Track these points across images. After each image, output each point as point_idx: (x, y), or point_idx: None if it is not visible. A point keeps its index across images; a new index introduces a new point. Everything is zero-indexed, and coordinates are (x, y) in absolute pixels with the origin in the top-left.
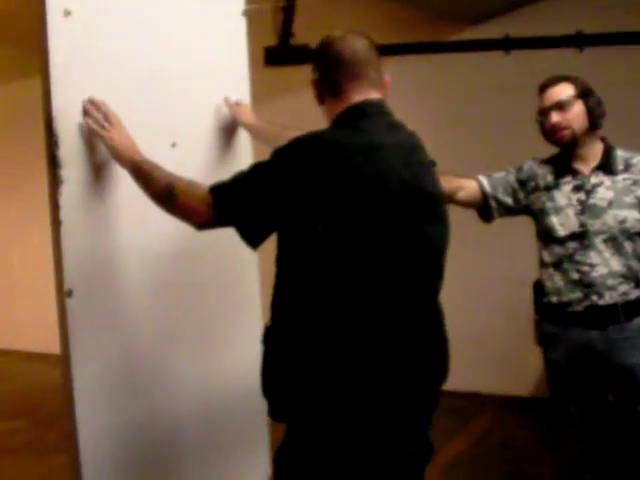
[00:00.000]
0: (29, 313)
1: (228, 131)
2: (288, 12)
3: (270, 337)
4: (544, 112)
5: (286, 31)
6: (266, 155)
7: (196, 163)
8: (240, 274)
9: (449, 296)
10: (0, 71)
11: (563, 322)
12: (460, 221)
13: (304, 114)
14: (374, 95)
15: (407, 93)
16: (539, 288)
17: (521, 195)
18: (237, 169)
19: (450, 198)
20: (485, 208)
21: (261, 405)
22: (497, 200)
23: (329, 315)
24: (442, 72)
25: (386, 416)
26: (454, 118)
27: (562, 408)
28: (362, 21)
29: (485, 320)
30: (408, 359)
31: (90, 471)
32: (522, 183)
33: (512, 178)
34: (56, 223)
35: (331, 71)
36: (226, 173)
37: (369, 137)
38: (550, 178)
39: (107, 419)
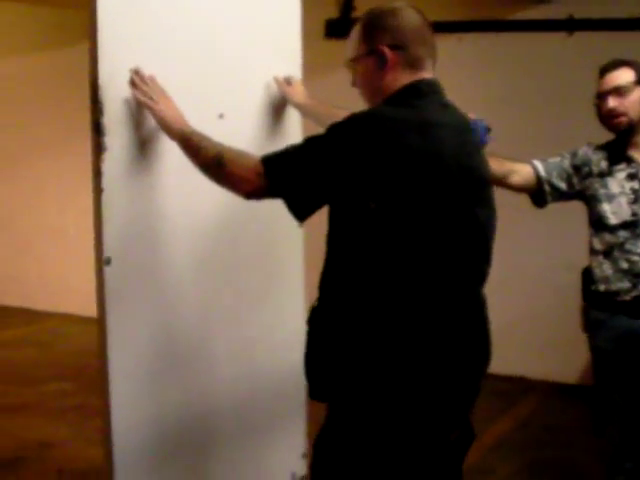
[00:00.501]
0: (83, 277)
1: (277, 107)
2: None
3: (317, 317)
4: (602, 96)
5: (348, 4)
6: (315, 132)
7: (243, 136)
8: (284, 251)
9: (498, 279)
10: (54, 35)
11: (610, 310)
12: (509, 205)
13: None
14: (430, 74)
15: (467, 71)
16: (588, 275)
17: (575, 180)
18: (285, 144)
19: (502, 181)
20: (539, 193)
21: (299, 386)
22: (551, 185)
23: (378, 296)
24: (503, 51)
25: (430, 401)
26: (512, 98)
27: (606, 395)
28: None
29: (533, 305)
30: (454, 344)
31: (120, 435)
32: (576, 168)
33: (567, 163)
34: (98, 190)
35: (411, 43)
36: (273, 148)
37: (426, 115)
38: (604, 165)
39: (140, 388)
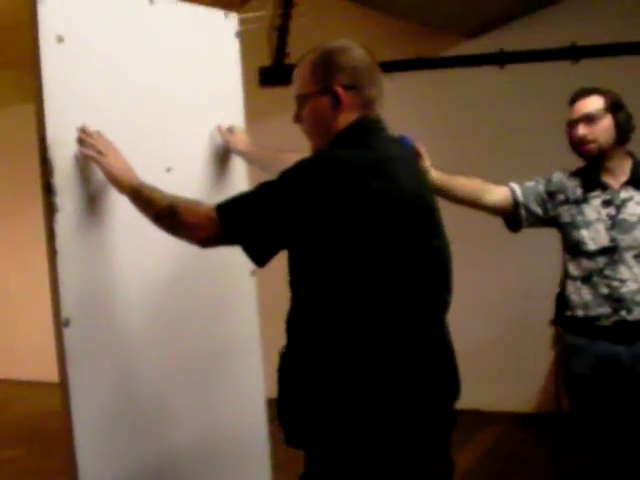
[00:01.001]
0: (28, 341)
1: (223, 156)
2: (282, 32)
3: (286, 363)
4: (572, 124)
5: (280, 51)
6: (261, 180)
7: (191, 188)
8: (238, 301)
9: (450, 311)
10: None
11: (589, 335)
12: (462, 236)
13: (299, 133)
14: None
15: (402, 109)
16: (562, 300)
17: (549, 206)
18: (232, 193)
19: (475, 202)
20: (514, 216)
21: (261, 435)
22: (527, 209)
23: (346, 336)
24: (437, 87)
25: (407, 437)
26: (449, 131)
27: (582, 421)
28: (356, 37)
29: (485, 336)
30: (424, 378)
31: None
32: (550, 194)
33: (541, 189)
34: (52, 252)
35: (364, 84)
36: (221, 197)
37: (378, 153)
38: (579, 192)
39: (106, 445)
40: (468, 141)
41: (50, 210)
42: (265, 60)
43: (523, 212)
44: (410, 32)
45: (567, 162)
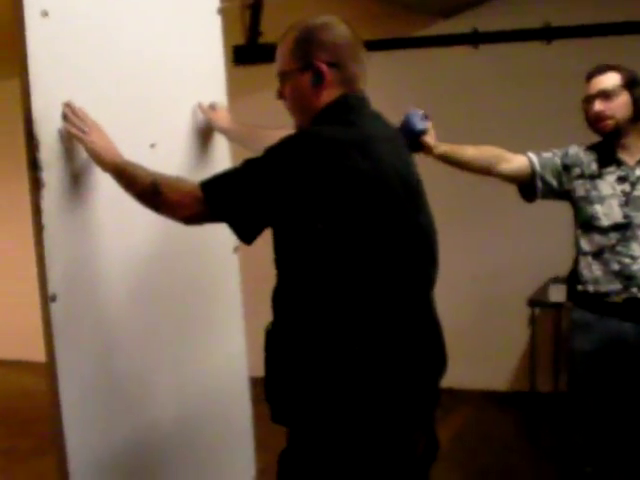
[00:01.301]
0: (4, 320)
1: (206, 133)
2: (256, 10)
3: (273, 340)
4: (589, 100)
5: (254, 29)
6: (244, 157)
7: (175, 164)
8: (222, 276)
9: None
10: None
11: (599, 311)
12: (438, 215)
13: (273, 113)
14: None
15: (375, 90)
16: (574, 275)
17: (564, 179)
18: (215, 169)
19: (489, 169)
20: (530, 187)
21: (245, 409)
22: (544, 180)
23: (332, 314)
24: (412, 67)
25: (392, 415)
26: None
27: (579, 399)
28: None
29: (458, 315)
30: (411, 355)
31: (76, 471)
32: (566, 168)
33: (558, 161)
34: (38, 227)
35: (346, 61)
36: (205, 175)
37: (363, 131)
38: (594, 167)
39: (93, 422)
40: (442, 121)
41: (36, 185)
42: (239, 39)
43: (539, 183)
44: (385, 13)
45: (540, 144)
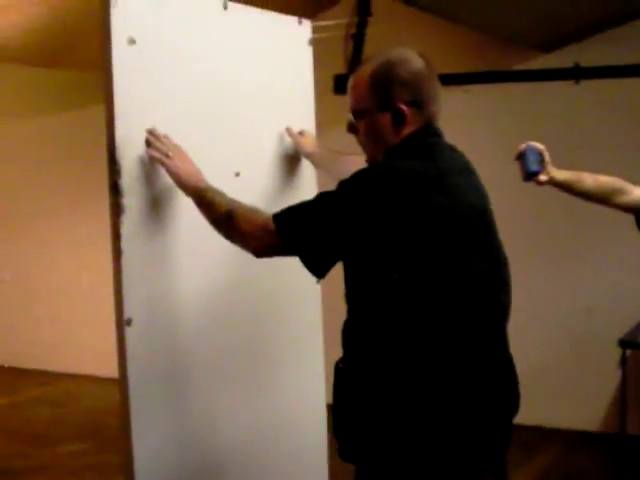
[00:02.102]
0: (95, 337)
1: (292, 161)
2: (358, 40)
3: (343, 377)
4: None
5: (355, 59)
6: (330, 187)
7: (260, 193)
8: (302, 307)
9: (513, 327)
10: (70, 97)
11: None
12: (523, 251)
13: None
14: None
15: (474, 122)
16: None
17: None
18: (301, 198)
19: (606, 200)
20: None
21: (321, 446)
22: None
23: (404, 351)
24: (511, 100)
25: (462, 456)
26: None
27: None
28: (431, 48)
29: (551, 351)
30: (483, 393)
31: None
32: None
33: None
34: (117, 252)
35: (427, 100)
36: (290, 202)
37: (438, 165)
38: None
39: (162, 445)
40: None
41: (116, 210)
42: (340, 68)
43: None
44: (486, 44)
45: None
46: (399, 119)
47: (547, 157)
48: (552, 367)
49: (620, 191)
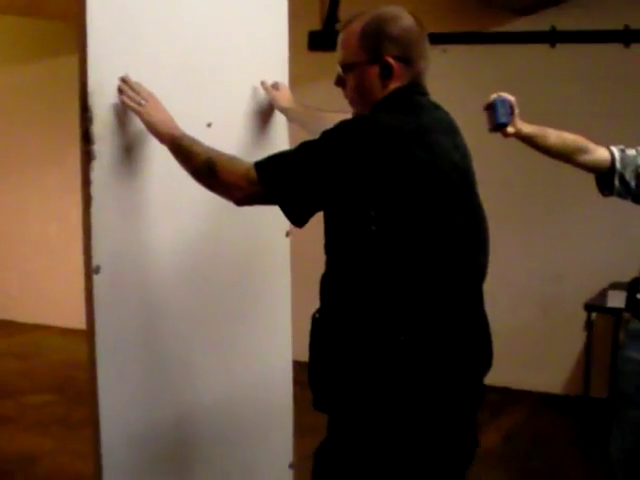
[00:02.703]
0: (65, 288)
1: (265, 114)
2: None
3: (319, 328)
4: None
5: (331, 16)
6: (302, 140)
7: (231, 144)
8: (272, 259)
9: (484, 289)
10: (42, 46)
11: None
12: (494, 216)
13: (343, 99)
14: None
15: (451, 82)
16: (635, 284)
17: None
18: (273, 151)
19: (568, 157)
20: (607, 182)
21: (286, 395)
22: (622, 179)
23: (380, 302)
24: (488, 62)
25: (433, 409)
26: None
27: (621, 407)
28: (411, 8)
29: (518, 315)
30: (457, 347)
31: (110, 445)
32: None
33: None
34: (87, 199)
35: (416, 57)
36: (261, 155)
37: (421, 121)
38: None
39: (129, 395)
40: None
41: (87, 158)
42: (316, 24)
43: (617, 181)
44: (462, 7)
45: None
46: (387, 72)
47: (516, 110)
48: (521, 331)
49: (583, 150)
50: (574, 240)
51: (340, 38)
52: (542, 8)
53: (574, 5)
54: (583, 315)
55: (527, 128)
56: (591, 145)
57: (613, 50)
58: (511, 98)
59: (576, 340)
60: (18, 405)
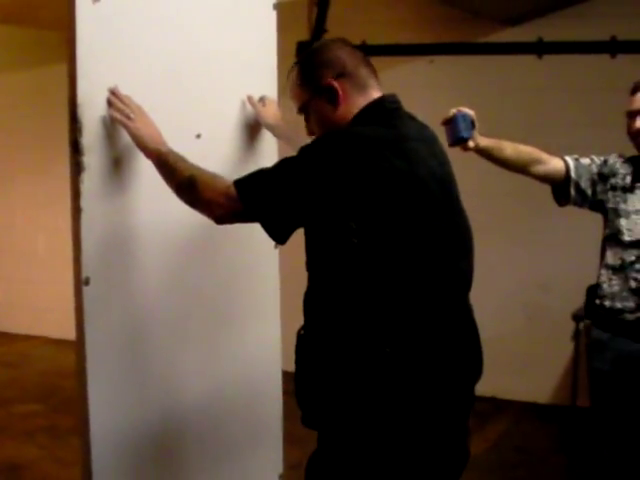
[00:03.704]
0: (51, 298)
1: (254, 126)
2: (322, 7)
3: (304, 344)
4: (631, 115)
5: (319, 26)
6: (291, 153)
7: (220, 156)
8: (260, 270)
9: (470, 298)
10: (31, 55)
11: (612, 330)
12: (481, 225)
13: None
14: (381, 91)
15: (438, 92)
16: (594, 290)
17: (599, 189)
18: (261, 164)
19: (523, 169)
20: (563, 191)
21: (275, 406)
22: (578, 188)
23: (364, 317)
24: (474, 73)
25: (423, 422)
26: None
27: (601, 417)
28: (396, 18)
29: (504, 324)
30: (445, 359)
31: (100, 454)
32: (603, 177)
33: (595, 169)
34: (77, 210)
35: (354, 67)
36: (250, 168)
37: (397, 131)
38: (628, 179)
39: (119, 405)
40: (500, 128)
41: (76, 169)
42: (304, 35)
43: (572, 190)
44: (450, 17)
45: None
46: (332, 96)
47: (476, 124)
48: (507, 340)
49: (538, 161)
50: (561, 249)
51: (289, 92)
52: (529, 19)
53: (561, 16)
54: (570, 324)
55: (484, 141)
56: (545, 156)
57: (600, 61)
58: (471, 112)
59: (563, 350)
60: (5, 414)
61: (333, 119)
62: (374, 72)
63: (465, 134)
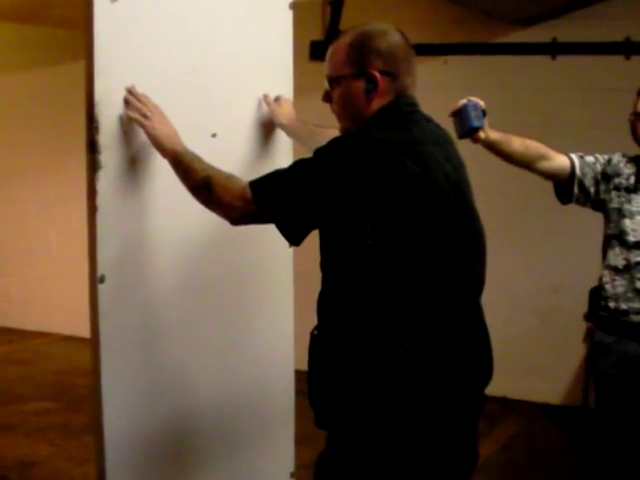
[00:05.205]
0: (65, 296)
1: (269, 125)
2: (336, 7)
3: (318, 345)
4: (637, 116)
5: (333, 26)
6: (306, 154)
7: (236, 155)
8: (274, 270)
9: (483, 300)
10: (44, 53)
11: (616, 332)
12: (493, 226)
13: None
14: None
15: (451, 93)
16: (597, 292)
17: (602, 188)
18: (277, 164)
19: (529, 164)
20: (566, 189)
21: (287, 406)
22: (581, 186)
23: (378, 318)
24: (488, 73)
25: (433, 423)
26: (497, 119)
27: (607, 420)
28: (410, 19)
29: (517, 325)
30: (457, 360)
31: (113, 452)
32: (606, 177)
33: (599, 168)
34: (92, 209)
35: (402, 72)
36: (266, 168)
37: (412, 135)
38: (632, 180)
39: (132, 403)
40: (513, 128)
41: (92, 167)
42: (317, 34)
43: (576, 188)
44: (464, 18)
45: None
46: (372, 86)
47: (486, 113)
48: (519, 341)
49: (544, 157)
50: (573, 251)
51: (328, 53)
52: (543, 20)
53: (575, 17)
54: (581, 326)
55: (493, 134)
56: (551, 152)
57: (614, 62)
58: (481, 102)
59: (574, 351)
60: (18, 412)
61: (359, 106)
62: (414, 80)
63: (477, 123)
